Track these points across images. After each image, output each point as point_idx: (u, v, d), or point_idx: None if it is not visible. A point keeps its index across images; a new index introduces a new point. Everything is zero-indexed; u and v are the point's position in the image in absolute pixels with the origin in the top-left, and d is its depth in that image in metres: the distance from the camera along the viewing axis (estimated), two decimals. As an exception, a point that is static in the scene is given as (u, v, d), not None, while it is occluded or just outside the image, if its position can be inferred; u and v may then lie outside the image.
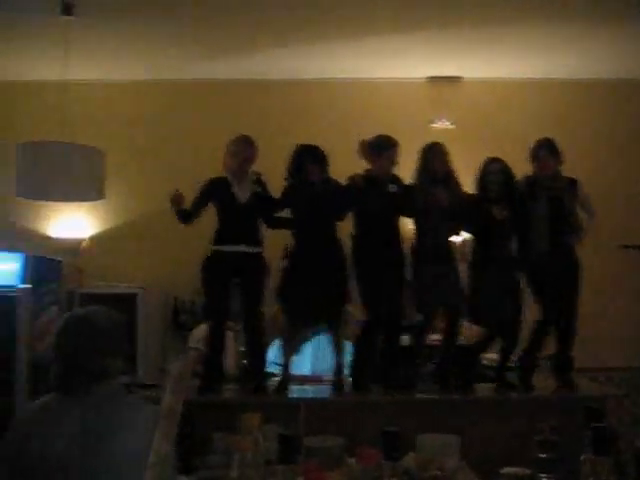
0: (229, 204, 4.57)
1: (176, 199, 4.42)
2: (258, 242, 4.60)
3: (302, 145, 4.60)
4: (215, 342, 4.50)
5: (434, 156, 4.56)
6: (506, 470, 2.07)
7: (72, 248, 5.91)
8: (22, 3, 4.76)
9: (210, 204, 4.61)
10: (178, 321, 6.13)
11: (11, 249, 5.03)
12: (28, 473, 2.14)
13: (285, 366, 4.55)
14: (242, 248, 4.51)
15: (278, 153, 4.86)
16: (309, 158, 4.54)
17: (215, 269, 4.55)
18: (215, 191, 4.60)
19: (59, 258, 5.41)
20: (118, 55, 5.62)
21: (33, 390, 4.83)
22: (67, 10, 4.74)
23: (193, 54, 5.62)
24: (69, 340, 2.26)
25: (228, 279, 4.51)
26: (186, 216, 4.54)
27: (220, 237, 4.55)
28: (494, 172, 4.49)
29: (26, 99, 6.14)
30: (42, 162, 4.29)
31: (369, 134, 4.62)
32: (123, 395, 2.31)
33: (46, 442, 2.14)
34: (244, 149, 4.63)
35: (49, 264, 5.22)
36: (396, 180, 4.62)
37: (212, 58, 5.70)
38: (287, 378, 4.52)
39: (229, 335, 5.50)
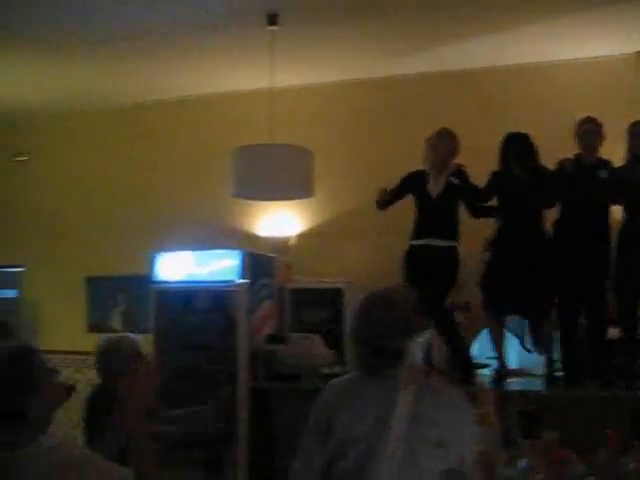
0: (422, 197, 4.66)
1: (381, 195, 4.64)
2: (452, 235, 4.61)
3: (508, 134, 4.55)
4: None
5: (633, 134, 4.32)
6: None
7: (280, 245, 6.20)
8: (229, 19, 5.09)
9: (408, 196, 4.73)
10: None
11: (230, 247, 5.43)
12: (335, 451, 2.15)
13: (499, 358, 4.50)
14: (433, 242, 4.55)
15: (478, 144, 4.85)
16: (514, 147, 4.49)
17: (411, 264, 4.64)
18: (412, 183, 4.71)
19: (272, 255, 5.74)
20: (321, 59, 5.82)
21: (254, 378, 5.18)
22: (272, 21, 5.00)
23: (391, 50, 5.69)
24: (370, 320, 2.22)
25: (425, 273, 4.56)
26: (383, 203, 4.69)
27: (416, 231, 4.65)
28: None
29: (235, 108, 6.55)
30: (256, 164, 4.58)
31: (571, 119, 4.48)
32: (425, 377, 2.28)
33: (351, 422, 2.14)
34: (444, 142, 4.67)
35: (263, 261, 5.54)
36: (607, 165, 4.42)
37: (409, 54, 5.73)
38: (503, 370, 4.47)
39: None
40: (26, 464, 2.10)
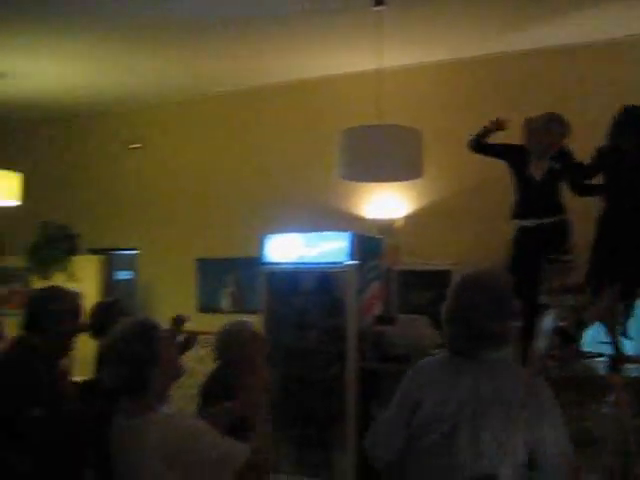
0: (524, 179, 4.55)
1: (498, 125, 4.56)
2: (558, 211, 4.49)
3: (625, 106, 4.37)
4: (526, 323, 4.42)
5: None
6: None
7: (386, 227, 6.20)
8: (336, 1, 5.10)
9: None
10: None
11: (337, 229, 5.48)
12: (421, 428, 2.21)
13: (614, 343, 4.36)
14: (540, 221, 4.44)
15: (581, 122, 4.68)
16: (629, 119, 4.31)
17: (517, 245, 4.54)
18: (515, 157, 4.60)
19: (380, 236, 5.75)
20: (428, 38, 5.74)
21: (362, 358, 5.23)
22: (378, 1, 4.97)
23: (498, 28, 5.55)
24: (464, 301, 2.22)
25: (531, 254, 4.45)
26: (481, 137, 4.62)
27: (519, 211, 4.57)
28: None
29: (343, 90, 6.56)
30: (365, 145, 4.57)
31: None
32: (514, 364, 2.27)
33: (440, 400, 2.18)
34: (554, 128, 4.53)
35: (372, 242, 5.57)
36: None
37: (516, 30, 5.58)
38: (619, 356, 4.33)
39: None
40: (145, 431, 2.22)
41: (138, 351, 2.28)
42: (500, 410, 2.09)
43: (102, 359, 2.46)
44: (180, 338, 3.93)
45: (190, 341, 4.02)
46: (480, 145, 4.68)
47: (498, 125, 4.58)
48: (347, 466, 5.28)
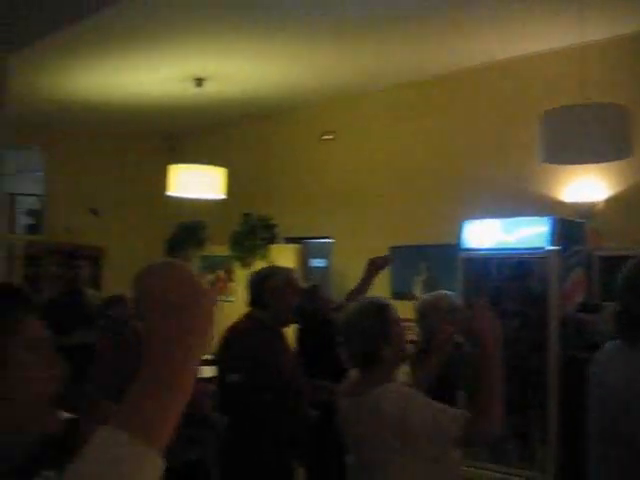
0: None
1: None
2: None
3: None
4: None
5: None
6: None
7: (587, 211, 5.94)
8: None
9: None
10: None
11: (535, 213, 5.34)
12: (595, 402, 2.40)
13: None
14: None
15: None
16: None
17: None
18: None
19: (582, 220, 5.52)
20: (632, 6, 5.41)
21: (563, 346, 5.07)
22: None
23: None
24: (618, 285, 2.32)
25: None
26: None
27: None
28: None
29: (543, 69, 6.32)
30: (567, 127, 4.41)
31: None
32: None
33: (597, 380, 2.39)
34: None
35: (573, 227, 5.37)
36: None
37: None
38: None
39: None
40: (379, 401, 2.37)
41: (375, 328, 2.44)
42: (623, 396, 2.19)
43: (339, 336, 2.63)
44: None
45: (386, 260, 4.22)
46: None
47: None
48: (548, 458, 5.15)
